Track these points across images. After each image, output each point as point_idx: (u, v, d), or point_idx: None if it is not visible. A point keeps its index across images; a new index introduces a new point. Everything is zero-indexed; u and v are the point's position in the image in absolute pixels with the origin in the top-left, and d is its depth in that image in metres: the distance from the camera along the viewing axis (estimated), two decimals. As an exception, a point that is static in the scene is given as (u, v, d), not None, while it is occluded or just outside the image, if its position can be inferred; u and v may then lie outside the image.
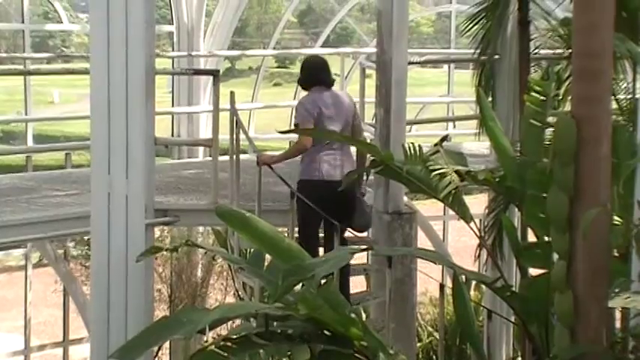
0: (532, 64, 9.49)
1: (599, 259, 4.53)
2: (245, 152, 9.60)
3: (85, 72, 8.13)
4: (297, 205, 7.80)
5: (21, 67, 13.26)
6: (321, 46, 16.18)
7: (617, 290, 4.50)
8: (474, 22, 9.62)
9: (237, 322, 6.51)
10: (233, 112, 8.10)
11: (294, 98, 14.96)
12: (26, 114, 13.17)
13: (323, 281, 4.84)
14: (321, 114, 7.79)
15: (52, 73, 18.10)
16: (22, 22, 13.16)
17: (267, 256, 5.59)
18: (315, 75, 8.00)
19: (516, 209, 6.74)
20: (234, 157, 8.11)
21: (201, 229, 13.08)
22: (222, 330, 7.25)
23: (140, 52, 7.46)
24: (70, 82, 35.93)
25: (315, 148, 7.80)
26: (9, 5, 16.77)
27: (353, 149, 7.99)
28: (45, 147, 14.63)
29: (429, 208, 13.37)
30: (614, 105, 8.26)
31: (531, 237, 5.59)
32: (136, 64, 7.44)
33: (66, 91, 40.86)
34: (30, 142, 12.83)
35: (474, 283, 9.65)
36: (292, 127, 8.52)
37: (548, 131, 5.15)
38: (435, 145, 5.73)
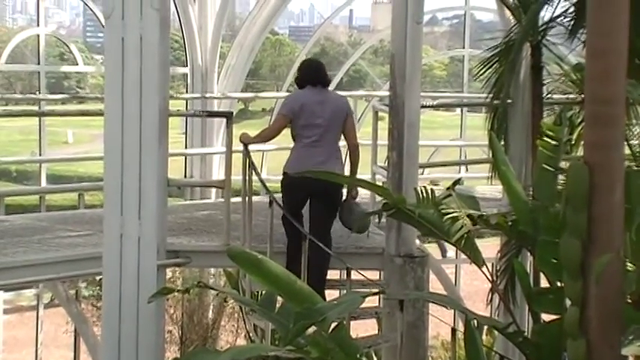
0: (545, 109, 9.51)
1: (612, 306, 4.50)
2: (257, 194, 9.63)
3: (100, 113, 8.19)
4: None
5: (36, 107, 13.35)
6: (334, 89, 16.23)
7: (630, 337, 4.47)
8: (487, 67, 9.66)
9: (248, 364, 6.48)
10: (246, 153, 8.12)
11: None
12: (40, 154, 13.25)
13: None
14: (302, 109, 8.10)
15: (66, 115, 18.18)
16: (38, 63, 13.28)
17: (279, 299, 5.58)
18: (307, 75, 8.36)
19: (529, 254, 6.72)
20: (247, 198, 8.12)
21: (212, 270, 13.08)
22: (233, 372, 7.20)
23: (154, 93, 7.51)
24: (84, 123, 36.14)
25: (298, 144, 8.20)
26: (25, 47, 16.89)
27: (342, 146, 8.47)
28: (58, 187, 14.69)
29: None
30: (627, 151, 8.26)
31: (544, 282, 5.57)
32: (150, 105, 7.50)
33: (80, 131, 41.13)
34: (44, 183, 12.88)
35: (486, 327, 9.60)
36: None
37: (561, 176, 5.14)
38: (448, 188, 5.73)
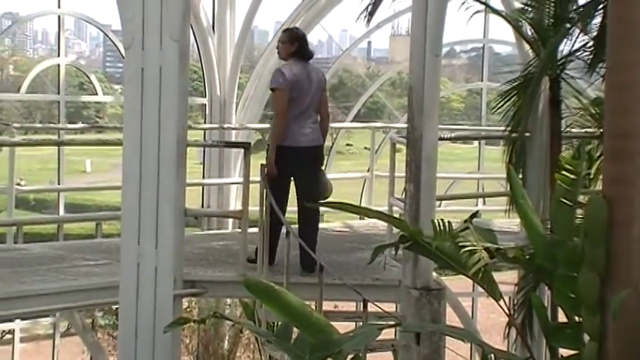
0: (563, 143, 9.49)
1: (631, 341, 4.47)
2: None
3: (118, 143, 8.22)
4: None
5: (55, 137, 13.42)
6: (352, 120, 16.28)
7: (648, 373, 4.43)
8: (505, 99, 9.66)
9: (263, 396, 6.47)
10: (263, 184, 8.13)
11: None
12: (59, 183, 13.30)
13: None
14: (296, 84, 8.42)
15: (85, 144, 18.27)
16: (58, 93, 13.37)
17: (295, 330, 5.56)
18: (302, 49, 8.62)
19: (546, 288, 6.68)
20: (263, 229, 8.12)
21: (229, 300, 13.06)
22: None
23: (172, 123, 7.55)
24: (102, 152, 36.29)
25: (293, 116, 8.40)
26: (45, 76, 17.01)
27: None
28: (76, 217, 14.72)
29: (457, 284, 13.28)
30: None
31: (562, 316, 5.53)
32: (168, 135, 7.53)
33: (98, 160, 41.28)
34: (62, 211, 12.91)
35: (502, 361, 9.51)
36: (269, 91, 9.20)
37: (579, 210, 5.12)
38: (465, 221, 5.70)
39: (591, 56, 9.32)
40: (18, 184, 21.84)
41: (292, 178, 8.47)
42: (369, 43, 60.95)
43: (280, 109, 8.42)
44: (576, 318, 4.95)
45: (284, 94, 8.36)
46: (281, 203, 8.24)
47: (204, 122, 13.82)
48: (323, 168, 8.82)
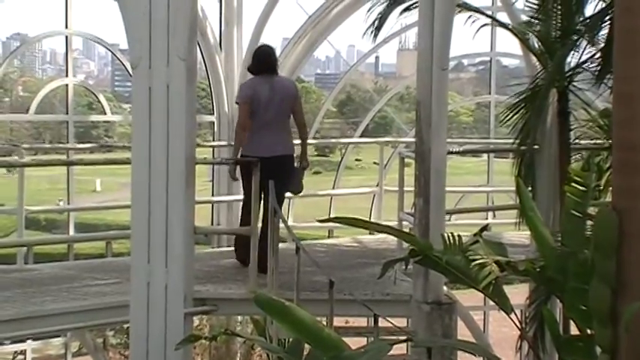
0: (572, 155, 9.47)
1: (643, 353, 4.45)
2: (284, 241, 9.61)
3: (127, 162, 8.24)
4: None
5: (64, 157, 13.46)
6: (361, 135, 16.27)
7: (662, 385, 4.40)
8: (514, 112, 9.65)
9: (275, 413, 6.43)
10: (272, 200, 8.13)
11: (334, 187, 15.02)
12: (68, 203, 13.31)
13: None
14: (254, 98, 8.99)
15: (94, 164, 18.28)
16: (67, 113, 13.40)
17: (306, 346, 5.55)
18: (260, 64, 9.26)
19: (558, 301, 6.66)
20: (273, 245, 8.11)
21: (239, 317, 13.04)
22: (260, 421, 7.17)
23: (181, 141, 7.57)
24: (112, 171, 36.37)
25: (255, 128, 8.97)
26: (54, 97, 17.08)
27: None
28: (86, 236, 14.73)
29: (468, 297, 13.24)
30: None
31: (574, 329, 5.51)
32: (177, 153, 7.55)
33: (108, 179, 41.39)
34: (72, 231, 12.93)
35: (515, 375, 9.49)
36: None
37: (590, 222, 5.10)
38: (475, 234, 5.69)
39: (599, 68, 9.31)
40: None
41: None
42: (377, 57, 61.00)
43: (240, 121, 9.07)
44: (588, 330, 4.92)
45: (243, 107, 9.00)
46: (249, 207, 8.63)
47: (213, 140, 13.82)
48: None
